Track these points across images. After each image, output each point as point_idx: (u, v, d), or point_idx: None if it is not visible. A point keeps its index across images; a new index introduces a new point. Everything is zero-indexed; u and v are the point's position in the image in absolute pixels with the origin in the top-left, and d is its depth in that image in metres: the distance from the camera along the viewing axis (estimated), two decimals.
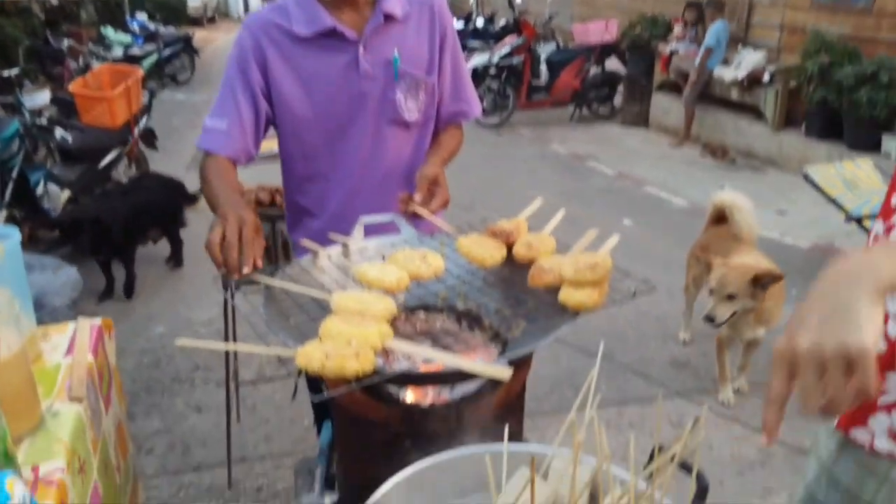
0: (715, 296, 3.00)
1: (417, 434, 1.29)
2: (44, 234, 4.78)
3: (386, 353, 1.23)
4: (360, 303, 1.20)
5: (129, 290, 4.35)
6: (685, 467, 0.97)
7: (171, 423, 3.13)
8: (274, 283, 1.31)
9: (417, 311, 1.42)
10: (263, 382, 3.38)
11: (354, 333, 1.11)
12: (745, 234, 3.34)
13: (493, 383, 1.34)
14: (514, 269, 1.43)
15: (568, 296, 1.25)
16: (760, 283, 2.95)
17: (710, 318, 3.03)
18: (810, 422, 1.44)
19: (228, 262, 1.25)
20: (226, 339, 2.71)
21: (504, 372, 1.08)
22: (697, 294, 3.70)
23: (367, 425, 1.34)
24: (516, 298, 1.37)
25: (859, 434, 1.17)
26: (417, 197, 1.59)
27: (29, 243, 4.64)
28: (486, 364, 1.11)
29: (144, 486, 2.67)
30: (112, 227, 4.12)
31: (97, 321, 1.35)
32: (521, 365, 1.34)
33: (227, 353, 2.71)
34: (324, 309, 1.27)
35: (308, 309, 1.28)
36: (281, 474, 2.77)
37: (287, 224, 1.94)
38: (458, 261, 1.48)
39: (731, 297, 2.97)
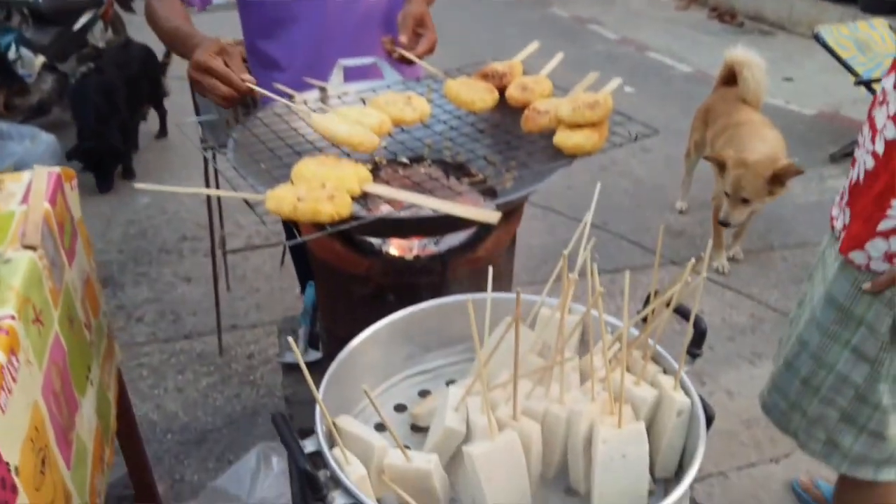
0: (731, 199, 2.90)
1: (401, 288, 1.23)
2: (20, 101, 4.57)
3: (365, 199, 1.15)
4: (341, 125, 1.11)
5: (130, 171, 4.15)
6: (681, 313, 0.91)
7: (161, 292, 3.10)
8: (270, 95, 1.22)
9: (400, 158, 1.32)
10: (252, 252, 3.33)
11: (329, 175, 1.02)
12: (751, 95, 3.19)
13: (481, 235, 1.27)
14: (506, 113, 1.32)
15: (564, 138, 1.15)
16: (779, 179, 2.85)
17: (725, 223, 2.96)
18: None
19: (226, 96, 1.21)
20: (208, 206, 2.63)
21: (492, 215, 0.99)
22: (698, 160, 3.59)
23: (350, 280, 1.28)
24: (508, 144, 1.27)
25: (856, 256, 1.31)
26: (402, 39, 1.45)
27: (6, 112, 4.45)
28: (473, 208, 1.03)
29: (135, 353, 2.67)
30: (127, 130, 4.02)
31: (56, 169, 1.25)
32: (511, 214, 1.26)
33: (210, 221, 2.63)
34: (297, 154, 1.17)
35: (280, 153, 1.18)
36: (272, 341, 2.76)
37: None
38: (445, 106, 1.37)
39: (745, 202, 2.88)
